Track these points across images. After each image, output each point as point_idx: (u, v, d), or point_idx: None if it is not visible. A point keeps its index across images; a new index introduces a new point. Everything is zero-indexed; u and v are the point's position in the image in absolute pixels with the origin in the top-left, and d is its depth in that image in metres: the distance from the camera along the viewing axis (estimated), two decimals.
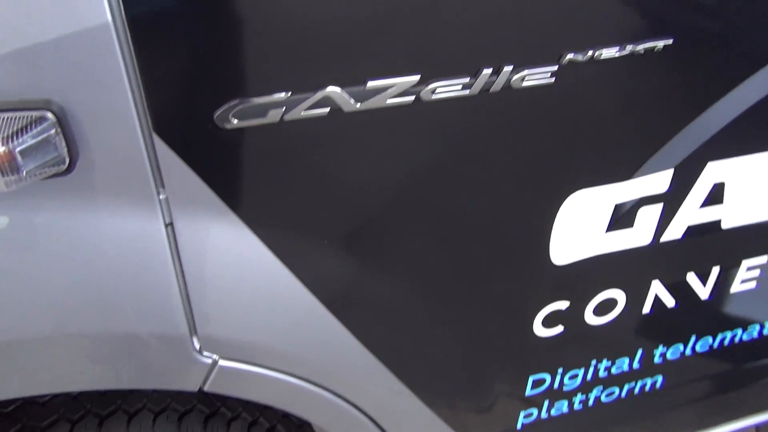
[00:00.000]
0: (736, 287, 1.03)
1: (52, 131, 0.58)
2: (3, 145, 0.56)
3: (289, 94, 0.62)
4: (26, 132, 0.56)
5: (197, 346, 0.76)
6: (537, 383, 1.03)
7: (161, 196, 0.67)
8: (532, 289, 0.89)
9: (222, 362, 0.79)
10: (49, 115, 0.58)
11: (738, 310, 1.08)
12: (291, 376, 0.83)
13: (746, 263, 1.00)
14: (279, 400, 0.86)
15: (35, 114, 0.57)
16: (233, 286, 0.74)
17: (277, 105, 0.63)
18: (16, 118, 0.57)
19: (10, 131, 0.56)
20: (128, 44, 0.58)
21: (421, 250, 0.79)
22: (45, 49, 0.56)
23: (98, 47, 0.57)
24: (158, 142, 0.63)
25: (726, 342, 1.12)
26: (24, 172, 0.57)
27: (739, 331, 1.12)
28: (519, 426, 1.09)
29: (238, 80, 0.62)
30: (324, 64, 0.63)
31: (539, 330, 0.95)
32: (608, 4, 0.68)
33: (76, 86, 0.59)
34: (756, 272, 1.02)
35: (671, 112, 0.78)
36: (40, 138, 0.57)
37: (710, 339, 1.10)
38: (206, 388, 0.81)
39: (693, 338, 1.09)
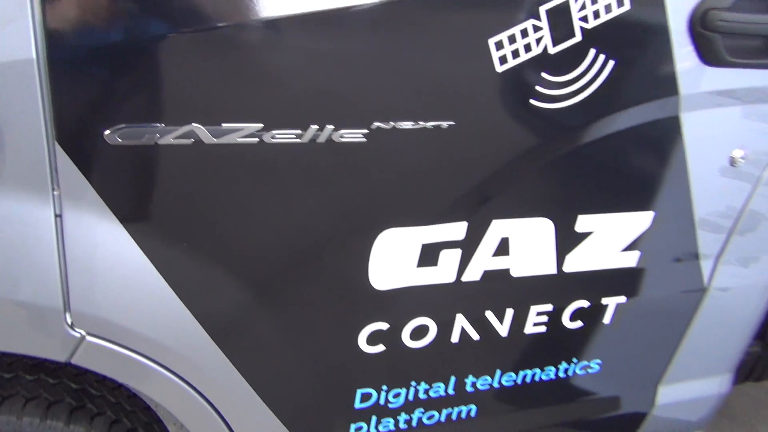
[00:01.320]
0: (528, 329, 1.28)
1: None
2: None
3: (162, 125, 0.86)
4: None
5: (69, 321, 0.94)
6: (365, 397, 1.23)
7: (55, 193, 0.87)
8: (356, 306, 1.12)
9: (89, 338, 0.96)
10: None
11: (533, 350, 1.33)
12: (148, 359, 1.01)
13: (534, 309, 1.26)
14: (134, 379, 1.03)
15: None
16: (106, 274, 0.94)
17: (152, 132, 0.86)
18: None
19: None
20: (46, 76, 0.80)
21: (258, 261, 1.01)
22: None
23: (22, 75, 0.80)
24: (59, 150, 0.84)
25: (528, 380, 1.36)
26: None
27: (538, 371, 1.36)
28: None
29: (126, 110, 0.85)
30: (191, 107, 0.86)
31: (364, 346, 1.16)
32: (406, 92, 0.95)
33: (2, 101, 0.80)
34: (544, 318, 1.27)
35: (458, 175, 1.05)
36: None
37: (513, 375, 1.34)
38: (73, 361, 0.98)
39: (498, 372, 1.32)
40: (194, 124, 0.87)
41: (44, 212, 0.88)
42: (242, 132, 0.89)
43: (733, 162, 1.22)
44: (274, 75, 0.89)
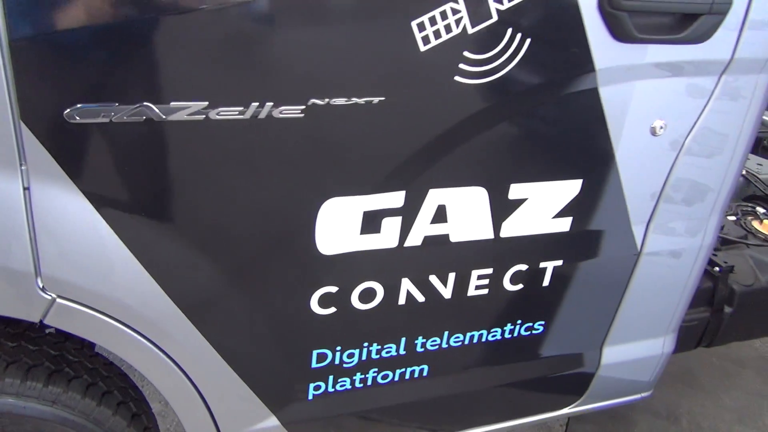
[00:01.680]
0: (471, 292, 1.38)
1: None
2: None
3: (117, 104, 0.96)
4: None
5: (41, 284, 1.05)
6: (320, 357, 1.34)
7: (23, 168, 0.97)
8: (306, 270, 1.22)
9: (59, 300, 1.07)
10: None
11: (477, 312, 1.43)
12: (113, 319, 1.11)
13: (475, 272, 1.36)
14: (102, 338, 1.13)
15: None
16: (73, 242, 1.04)
17: (107, 111, 0.96)
18: None
19: None
20: (9, 59, 0.90)
21: (212, 229, 1.11)
22: None
23: None
24: (24, 127, 0.95)
25: (475, 341, 1.47)
26: None
27: (485, 332, 1.47)
28: (310, 397, 1.38)
29: (83, 91, 0.95)
30: (142, 87, 0.97)
31: (316, 309, 1.27)
32: (339, 70, 1.06)
33: None
34: (485, 281, 1.38)
35: (392, 147, 1.15)
36: None
37: (461, 336, 1.45)
38: (45, 321, 1.08)
39: (446, 333, 1.43)
40: (146, 103, 0.97)
41: (14, 185, 0.98)
42: (189, 110, 0.99)
43: (654, 132, 1.33)
44: (217, 56, 0.99)
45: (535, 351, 1.56)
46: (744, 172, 2.61)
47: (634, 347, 1.67)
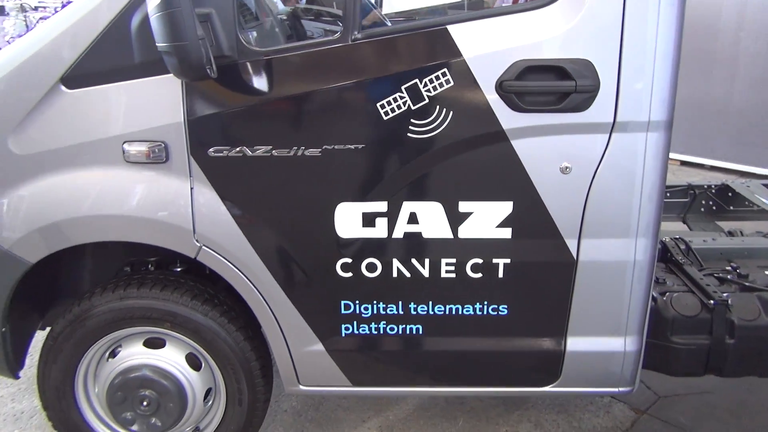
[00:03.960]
0: (443, 274, 2.11)
1: (162, 146, 2.00)
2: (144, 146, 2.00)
3: (229, 146, 1.99)
4: (151, 148, 1.99)
5: (195, 237, 2.09)
6: (346, 307, 2.18)
7: (191, 177, 2.04)
8: (331, 246, 2.10)
9: (204, 248, 2.10)
10: (162, 144, 2.00)
11: (451, 290, 2.13)
12: (229, 262, 2.11)
13: (444, 260, 2.09)
14: (223, 271, 2.13)
15: (161, 145, 2.00)
16: (210, 216, 2.07)
17: (225, 150, 1.99)
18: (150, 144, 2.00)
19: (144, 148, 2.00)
20: (187, 126, 1.99)
21: (278, 219, 2.07)
22: (167, 128, 2.00)
23: (178, 126, 1.99)
24: (191, 158, 2.02)
25: (453, 312, 2.16)
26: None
27: (459, 306, 2.16)
28: (342, 334, 2.22)
29: (215, 142, 1.99)
30: (241, 139, 1.98)
31: (340, 272, 2.12)
32: (340, 130, 1.96)
33: (169, 134, 2.01)
34: (452, 267, 2.10)
35: (372, 174, 2.00)
36: (154, 152, 1.99)
37: (442, 306, 2.16)
38: (198, 258, 2.12)
39: (431, 303, 2.16)
40: (243, 147, 1.98)
41: (187, 186, 2.05)
42: (262, 150, 1.98)
43: (563, 171, 1.96)
44: (272, 123, 1.98)
45: (505, 327, 2.17)
46: None
47: (595, 341, 2.17)
